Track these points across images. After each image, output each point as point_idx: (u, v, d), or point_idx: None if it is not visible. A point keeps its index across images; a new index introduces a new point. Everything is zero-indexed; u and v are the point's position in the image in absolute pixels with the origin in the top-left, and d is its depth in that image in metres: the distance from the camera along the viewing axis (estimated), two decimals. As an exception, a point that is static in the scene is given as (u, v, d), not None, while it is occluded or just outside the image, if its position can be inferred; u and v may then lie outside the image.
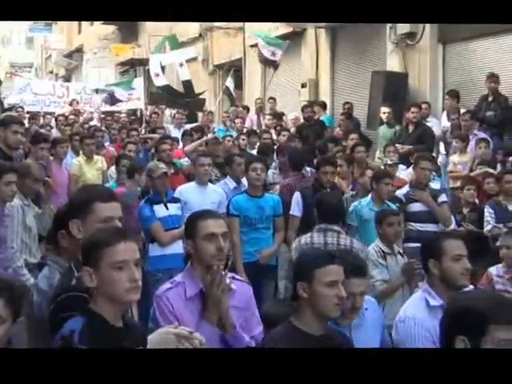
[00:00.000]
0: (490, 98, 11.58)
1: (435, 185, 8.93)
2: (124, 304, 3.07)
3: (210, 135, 12.32)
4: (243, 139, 12.42)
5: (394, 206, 7.90)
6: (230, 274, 4.26)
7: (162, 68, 18.41)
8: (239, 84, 19.91)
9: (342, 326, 4.04)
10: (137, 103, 19.73)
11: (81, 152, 11.01)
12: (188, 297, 3.96)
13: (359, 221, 7.81)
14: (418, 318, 4.05)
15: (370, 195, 8.00)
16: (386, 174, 8.10)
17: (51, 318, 3.21)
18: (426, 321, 3.94)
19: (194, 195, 8.16)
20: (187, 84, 17.72)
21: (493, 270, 6.24)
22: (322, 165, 8.23)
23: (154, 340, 3.20)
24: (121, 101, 19.24)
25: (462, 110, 11.79)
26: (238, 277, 4.42)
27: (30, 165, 7.42)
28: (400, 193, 8.25)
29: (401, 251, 6.74)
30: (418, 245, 7.67)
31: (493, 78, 11.53)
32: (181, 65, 18.06)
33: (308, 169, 9.36)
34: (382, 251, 6.50)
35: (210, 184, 8.61)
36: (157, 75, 17.94)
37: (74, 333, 2.87)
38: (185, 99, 17.23)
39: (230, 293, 3.91)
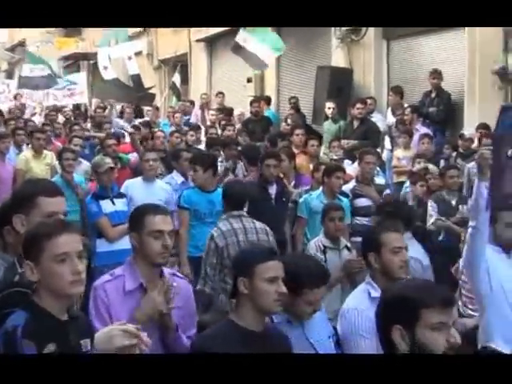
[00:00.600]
0: (433, 94, 11.76)
1: (380, 180, 9.05)
2: (67, 297, 3.01)
3: (156, 130, 12.20)
4: (191, 135, 12.39)
5: (345, 200, 7.99)
6: (170, 271, 4.26)
7: (110, 61, 18.21)
8: (185, 79, 19.83)
9: (294, 324, 4.05)
10: (80, 98, 19.43)
11: (28, 146, 10.84)
12: (127, 290, 3.94)
13: (309, 213, 7.88)
14: (360, 308, 4.12)
15: (321, 188, 8.07)
16: (338, 168, 8.16)
17: None
18: (368, 311, 3.96)
19: (139, 191, 8.09)
20: (136, 78, 17.57)
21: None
22: (264, 158, 8.24)
23: (99, 339, 3.14)
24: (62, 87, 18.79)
25: (406, 106, 11.97)
26: (179, 274, 4.42)
27: None
28: (346, 187, 8.32)
29: (349, 245, 6.80)
30: (364, 239, 7.92)
31: (435, 74, 11.72)
32: (129, 58, 17.89)
33: None
34: (324, 246, 6.58)
35: (157, 180, 8.55)
36: (105, 68, 17.73)
37: (17, 327, 2.82)
38: (135, 93, 17.05)
39: (176, 295, 3.91)
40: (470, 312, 5.97)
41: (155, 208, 4.14)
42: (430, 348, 2.73)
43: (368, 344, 3.92)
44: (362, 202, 8.30)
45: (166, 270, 4.15)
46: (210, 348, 3.37)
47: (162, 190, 8.28)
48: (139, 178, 8.46)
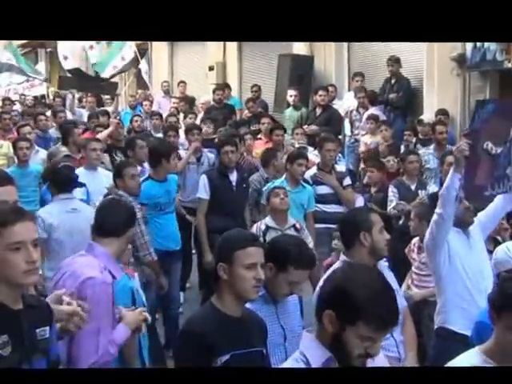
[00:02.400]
0: (393, 81, 11.90)
1: (341, 167, 9.13)
2: (22, 286, 2.99)
3: (112, 119, 12.07)
4: (157, 119, 12.47)
5: (309, 188, 8.08)
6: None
7: (71, 50, 18.01)
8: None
9: (267, 302, 4.16)
10: (40, 89, 19.25)
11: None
12: None
13: None
14: None
15: (284, 176, 8.16)
16: (300, 155, 8.24)
17: None
18: None
19: (83, 180, 7.68)
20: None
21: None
22: (221, 145, 8.32)
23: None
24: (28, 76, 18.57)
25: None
26: None
27: None
28: (307, 175, 8.40)
29: (297, 226, 6.95)
30: (325, 225, 8.03)
31: (392, 60, 11.86)
32: (91, 47, 17.70)
33: None
34: (267, 226, 6.72)
35: (99, 168, 8.43)
36: (65, 58, 17.53)
37: None
38: (97, 83, 16.85)
39: None
40: (416, 289, 6.25)
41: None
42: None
43: None
44: (323, 189, 8.40)
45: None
46: (194, 330, 3.46)
47: (106, 177, 8.08)
48: (81, 168, 8.20)
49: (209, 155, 9.62)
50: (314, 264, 4.41)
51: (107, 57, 16.64)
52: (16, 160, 9.58)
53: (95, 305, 3.84)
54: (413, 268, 6.40)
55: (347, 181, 8.59)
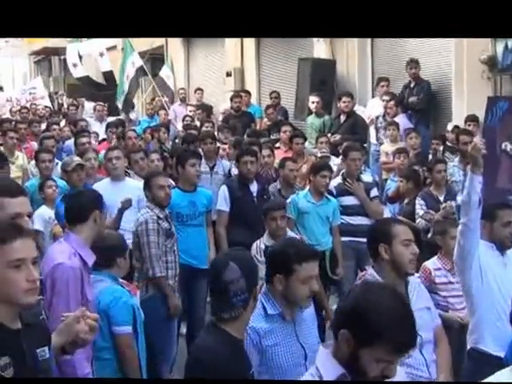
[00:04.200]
0: (412, 84, 11.82)
1: (367, 177, 9.03)
2: (21, 306, 2.97)
3: (127, 130, 12.05)
4: (164, 132, 12.39)
5: (334, 200, 8.05)
6: None
7: (80, 58, 18.06)
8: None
9: (286, 321, 4.11)
10: (42, 101, 19.26)
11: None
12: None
13: (297, 213, 7.91)
14: None
15: (307, 188, 8.13)
16: (324, 166, 8.19)
17: None
18: None
19: (108, 192, 7.59)
20: (109, 75, 17.39)
21: (430, 264, 6.32)
22: (241, 155, 8.29)
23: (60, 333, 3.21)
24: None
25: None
26: None
27: None
28: (331, 185, 8.35)
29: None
30: (350, 238, 7.98)
31: (412, 63, 11.79)
32: (101, 54, 17.72)
33: None
34: (266, 246, 6.65)
35: (127, 179, 8.29)
36: (75, 66, 17.58)
37: None
38: (107, 91, 16.84)
39: None
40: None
41: None
42: None
43: None
44: (348, 200, 8.36)
45: None
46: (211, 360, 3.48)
47: (132, 188, 7.85)
48: (107, 179, 8.17)
49: (224, 163, 9.59)
50: (317, 253, 4.35)
51: (120, 69, 16.58)
52: (32, 172, 9.55)
53: (63, 288, 4.51)
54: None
55: (374, 192, 8.55)
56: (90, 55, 18.85)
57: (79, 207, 4.88)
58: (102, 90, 17.18)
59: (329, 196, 8.07)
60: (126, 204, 7.17)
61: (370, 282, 4.06)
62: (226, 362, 3.40)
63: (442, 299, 6.17)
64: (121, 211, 7.16)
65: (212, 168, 9.39)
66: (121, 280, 5.42)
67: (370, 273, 4.44)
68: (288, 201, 7.98)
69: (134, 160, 8.73)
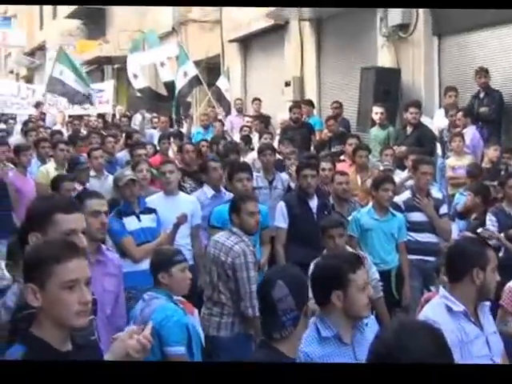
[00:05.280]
0: (482, 94, 11.55)
1: (437, 193, 8.78)
2: (71, 328, 2.94)
3: (185, 143, 12.06)
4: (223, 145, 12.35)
5: (400, 215, 7.89)
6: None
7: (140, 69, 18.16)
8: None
9: (344, 344, 3.99)
10: (105, 107, 19.45)
11: (51, 160, 10.82)
12: None
13: (360, 231, 7.78)
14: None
15: (370, 203, 8.01)
16: (386, 180, 8.05)
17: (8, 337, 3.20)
18: (448, 324, 3.95)
19: (161, 206, 7.74)
20: (171, 85, 17.41)
21: None
22: (301, 169, 8.20)
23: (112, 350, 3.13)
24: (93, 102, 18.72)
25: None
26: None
27: None
28: (400, 199, 8.21)
29: None
30: (417, 257, 7.81)
31: (481, 72, 11.49)
32: (162, 64, 17.78)
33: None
34: None
35: (181, 193, 8.34)
36: (135, 77, 17.68)
37: None
38: (169, 102, 16.83)
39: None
40: None
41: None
42: None
43: None
44: (417, 216, 8.17)
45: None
46: None
47: (186, 202, 7.96)
48: (161, 193, 8.21)
49: (282, 177, 9.49)
50: (362, 257, 4.52)
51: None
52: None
53: None
54: None
55: (444, 209, 8.36)
56: (150, 65, 18.92)
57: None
58: (163, 100, 17.21)
59: (394, 211, 7.90)
60: (182, 220, 7.23)
61: (404, 321, 3.89)
62: None
63: None
64: (176, 226, 7.20)
65: (271, 182, 9.29)
66: (177, 297, 5.35)
67: (443, 295, 4.29)
68: (349, 218, 7.85)
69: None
